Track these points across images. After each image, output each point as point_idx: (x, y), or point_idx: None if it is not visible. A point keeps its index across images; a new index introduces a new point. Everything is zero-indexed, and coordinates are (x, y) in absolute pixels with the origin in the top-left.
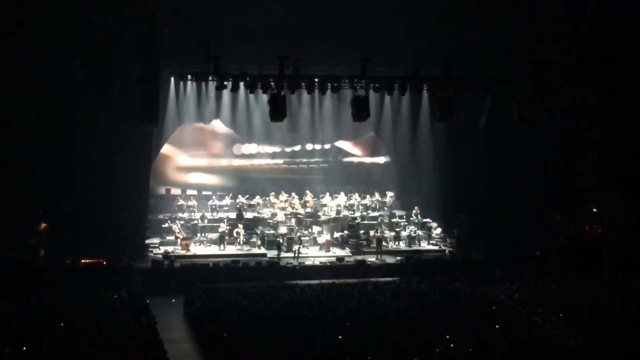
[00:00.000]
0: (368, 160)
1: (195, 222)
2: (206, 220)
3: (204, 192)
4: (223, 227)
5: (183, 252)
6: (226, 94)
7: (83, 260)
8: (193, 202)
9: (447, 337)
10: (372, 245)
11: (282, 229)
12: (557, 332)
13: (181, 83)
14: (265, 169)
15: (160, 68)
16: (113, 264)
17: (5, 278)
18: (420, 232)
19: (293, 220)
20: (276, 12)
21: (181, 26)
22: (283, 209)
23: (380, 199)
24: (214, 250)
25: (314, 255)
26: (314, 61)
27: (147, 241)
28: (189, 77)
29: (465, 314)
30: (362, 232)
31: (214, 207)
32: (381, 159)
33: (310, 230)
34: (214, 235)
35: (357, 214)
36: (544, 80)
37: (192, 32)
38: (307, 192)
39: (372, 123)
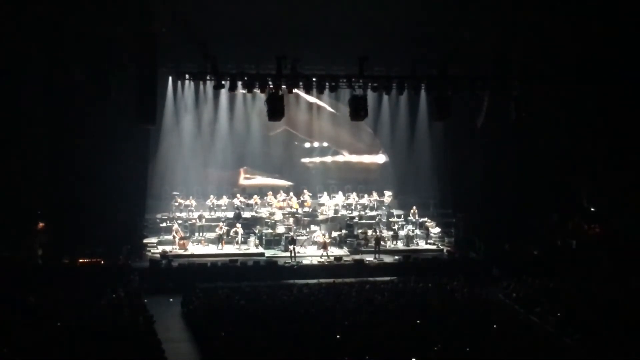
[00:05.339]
0: (366, 159)
1: (193, 221)
2: (204, 220)
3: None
4: (221, 226)
5: (181, 252)
6: (224, 93)
7: (81, 260)
8: (191, 202)
9: (445, 336)
10: (369, 244)
11: (280, 228)
12: (555, 332)
13: (179, 82)
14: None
15: (157, 67)
16: (111, 263)
17: (3, 277)
18: (418, 232)
19: (291, 220)
20: (274, 12)
21: (179, 25)
22: (281, 208)
23: (378, 198)
24: (211, 249)
25: (311, 254)
26: (312, 60)
27: (145, 240)
28: (187, 76)
29: (462, 313)
30: (360, 231)
31: (211, 206)
32: (379, 158)
33: (308, 229)
34: (212, 235)
35: (355, 214)
36: (541, 80)
37: (189, 32)
38: (305, 191)
39: (369, 122)
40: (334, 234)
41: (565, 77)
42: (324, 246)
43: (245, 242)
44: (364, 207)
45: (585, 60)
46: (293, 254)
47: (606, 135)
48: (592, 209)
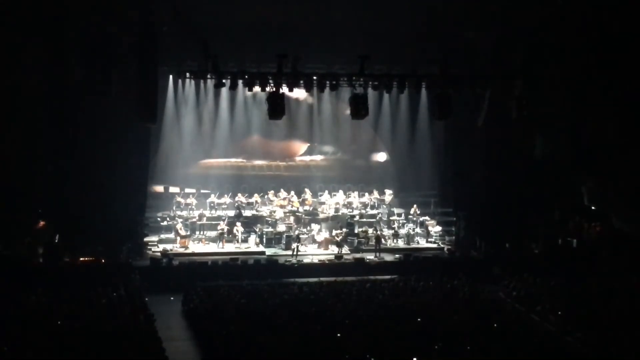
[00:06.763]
0: (367, 158)
1: (194, 220)
2: (205, 218)
3: (202, 190)
4: (222, 225)
5: (181, 250)
6: (224, 91)
7: (81, 259)
8: (192, 200)
9: (445, 335)
10: (370, 243)
11: (281, 227)
12: (556, 330)
13: (179, 81)
14: (264, 167)
15: (158, 66)
16: (111, 262)
17: (3, 276)
18: (418, 230)
19: (292, 218)
20: (275, 10)
21: (179, 24)
22: (282, 206)
23: (378, 196)
24: (212, 248)
25: (312, 253)
26: (313, 59)
27: (146, 239)
28: (187, 75)
29: (463, 312)
30: (360, 230)
31: (212, 205)
32: (380, 157)
33: (309, 228)
34: (213, 233)
35: (356, 212)
36: (542, 78)
37: (190, 30)
38: (306, 190)
39: (370, 121)
40: (335, 232)
41: (567, 74)
42: (337, 244)
43: (246, 240)
44: (365, 205)
45: (586, 56)
46: (296, 252)
47: (608, 132)
48: (593, 208)
